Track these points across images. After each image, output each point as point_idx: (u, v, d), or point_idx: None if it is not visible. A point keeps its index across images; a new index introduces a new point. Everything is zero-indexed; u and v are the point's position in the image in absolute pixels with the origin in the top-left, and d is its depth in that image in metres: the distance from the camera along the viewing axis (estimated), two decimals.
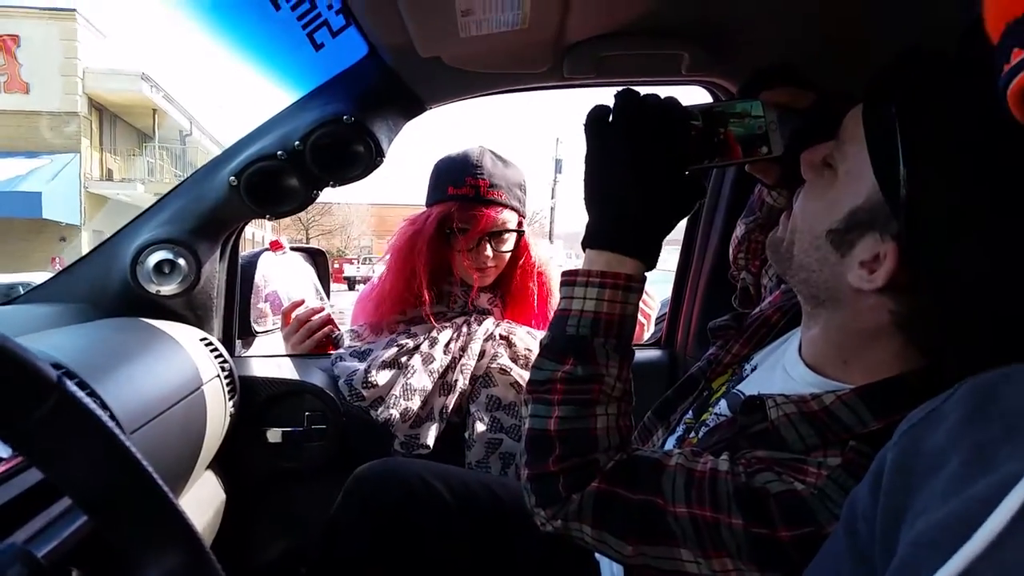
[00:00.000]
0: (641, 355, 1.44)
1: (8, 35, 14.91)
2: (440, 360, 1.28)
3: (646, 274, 0.69)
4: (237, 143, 1.06)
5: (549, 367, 0.67)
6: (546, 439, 0.65)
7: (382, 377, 1.25)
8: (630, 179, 0.66)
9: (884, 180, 0.55)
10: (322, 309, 1.45)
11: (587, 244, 0.69)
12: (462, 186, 1.30)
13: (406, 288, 1.35)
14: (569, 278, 0.69)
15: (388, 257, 1.38)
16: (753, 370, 0.77)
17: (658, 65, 1.07)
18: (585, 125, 0.69)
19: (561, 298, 0.69)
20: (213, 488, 1.16)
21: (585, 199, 0.70)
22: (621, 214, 0.67)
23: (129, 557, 0.37)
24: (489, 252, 1.33)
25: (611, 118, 0.68)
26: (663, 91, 0.71)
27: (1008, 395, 0.39)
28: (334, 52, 0.98)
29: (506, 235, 1.35)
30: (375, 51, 1.01)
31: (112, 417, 0.75)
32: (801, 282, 0.66)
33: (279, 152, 1.01)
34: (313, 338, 1.41)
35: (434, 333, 1.31)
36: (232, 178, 1.03)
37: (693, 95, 1.08)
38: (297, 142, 1.00)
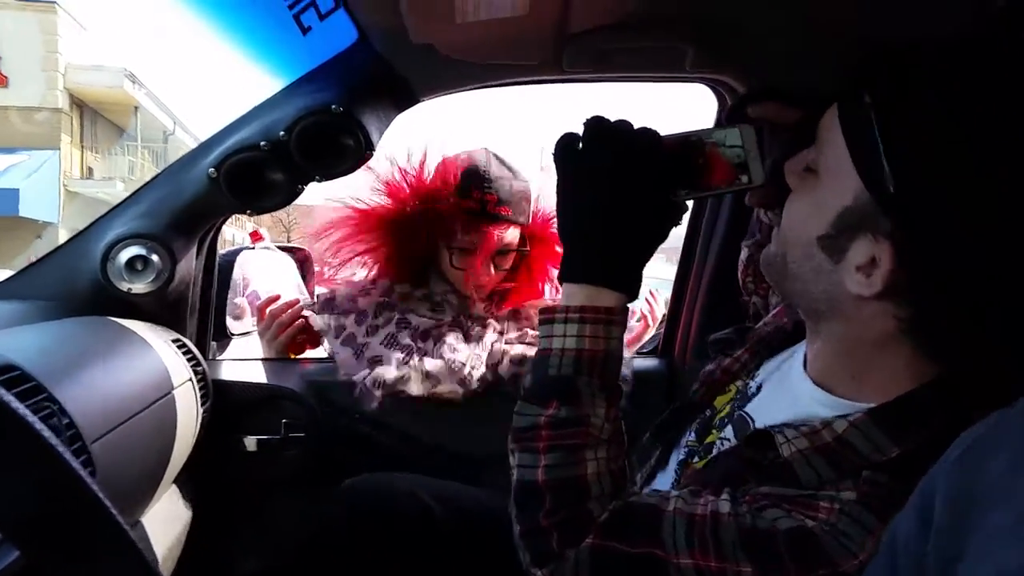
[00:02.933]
0: (638, 363, 1.39)
1: None
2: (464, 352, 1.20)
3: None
4: (218, 132, 1.00)
5: (532, 412, 0.62)
6: (535, 490, 0.60)
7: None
8: (602, 209, 0.63)
9: (868, 176, 0.52)
10: (297, 302, 1.32)
11: (563, 278, 0.65)
12: (467, 199, 1.18)
13: (407, 259, 1.23)
14: (547, 316, 0.64)
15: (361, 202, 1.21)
16: (759, 388, 0.73)
17: (661, 60, 1.03)
18: (554, 154, 0.66)
19: (540, 338, 0.65)
20: (181, 500, 1.09)
21: (559, 231, 0.67)
22: (595, 245, 0.64)
23: None
24: (491, 270, 1.24)
25: (581, 146, 0.64)
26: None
27: None
28: (322, 37, 0.92)
29: (510, 253, 1.27)
30: (365, 37, 0.95)
31: (71, 425, 0.69)
32: (799, 295, 0.63)
33: (262, 143, 0.95)
34: (287, 333, 1.29)
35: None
36: (212, 170, 0.96)
37: (699, 94, 1.03)
38: (282, 132, 0.94)
